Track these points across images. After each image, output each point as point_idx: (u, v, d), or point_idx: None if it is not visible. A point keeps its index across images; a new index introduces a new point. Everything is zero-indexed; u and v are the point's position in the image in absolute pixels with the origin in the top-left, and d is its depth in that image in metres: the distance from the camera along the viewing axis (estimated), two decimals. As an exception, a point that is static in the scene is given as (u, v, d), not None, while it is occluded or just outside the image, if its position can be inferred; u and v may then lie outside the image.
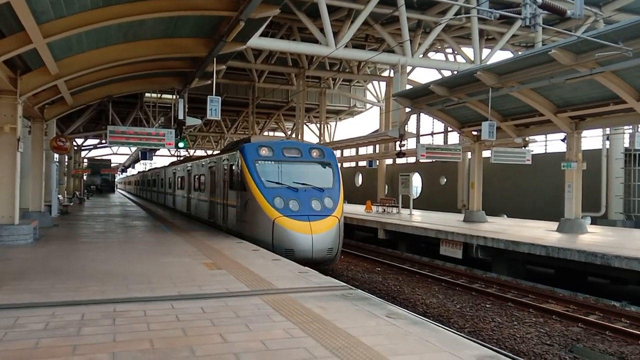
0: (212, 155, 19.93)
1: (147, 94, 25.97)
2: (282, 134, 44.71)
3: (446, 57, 27.97)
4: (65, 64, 11.13)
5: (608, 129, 21.27)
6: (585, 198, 16.91)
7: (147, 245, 11.34)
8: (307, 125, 41.39)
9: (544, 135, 23.65)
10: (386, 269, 15.58)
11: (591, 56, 12.10)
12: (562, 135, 17.13)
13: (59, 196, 22.28)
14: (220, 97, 12.88)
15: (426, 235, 17.06)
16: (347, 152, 38.81)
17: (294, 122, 38.97)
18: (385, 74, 32.78)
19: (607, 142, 22.33)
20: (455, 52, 26.55)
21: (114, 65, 12.11)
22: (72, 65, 11.25)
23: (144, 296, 6.31)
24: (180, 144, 18.25)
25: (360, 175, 41.74)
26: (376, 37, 26.19)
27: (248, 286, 6.99)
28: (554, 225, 17.44)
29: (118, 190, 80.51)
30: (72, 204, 26.69)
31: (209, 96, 12.59)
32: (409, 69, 25.94)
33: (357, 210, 26.87)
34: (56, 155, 21.61)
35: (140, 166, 59.38)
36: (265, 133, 43.13)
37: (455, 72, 19.94)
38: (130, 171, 73.51)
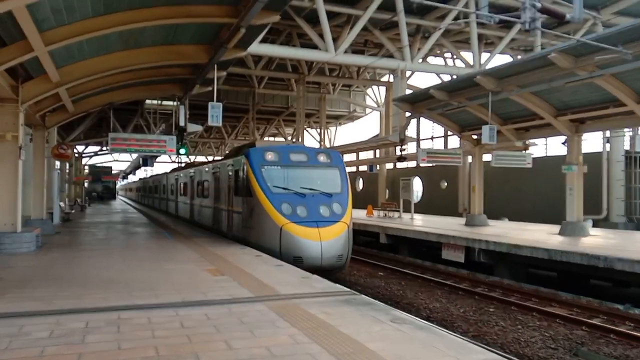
0: (215, 160, 19.69)
1: (147, 101, 26.05)
2: (282, 140, 44.73)
3: (445, 61, 28.03)
4: (67, 71, 11.17)
5: (608, 132, 21.29)
6: (586, 201, 16.91)
7: (150, 252, 11.34)
8: (307, 131, 41.42)
9: (544, 139, 23.70)
10: (388, 273, 15.56)
11: (591, 59, 12.12)
12: (562, 138, 17.16)
13: (61, 203, 22.29)
14: (221, 104, 12.88)
15: (428, 239, 17.04)
16: (348, 157, 38.77)
17: (294, 127, 39.04)
18: (385, 78, 32.85)
19: (608, 145, 22.34)
20: (455, 57, 26.60)
21: (115, 73, 12.15)
22: (73, 73, 11.29)
23: (147, 303, 6.30)
24: (182, 151, 18.28)
25: (360, 180, 41.74)
26: (375, 42, 26.24)
27: (252, 292, 6.99)
28: (556, 228, 17.42)
29: (119, 197, 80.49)
30: (73, 211, 26.68)
31: (210, 103, 12.60)
32: (408, 73, 25.98)
33: (359, 215, 26.86)
34: (57, 163, 21.62)
35: (142, 173, 59.39)
36: (266, 138, 43.18)
37: (455, 77, 20.00)
38: (132, 178, 73.53)
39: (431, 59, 29.32)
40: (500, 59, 28.79)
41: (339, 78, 31.47)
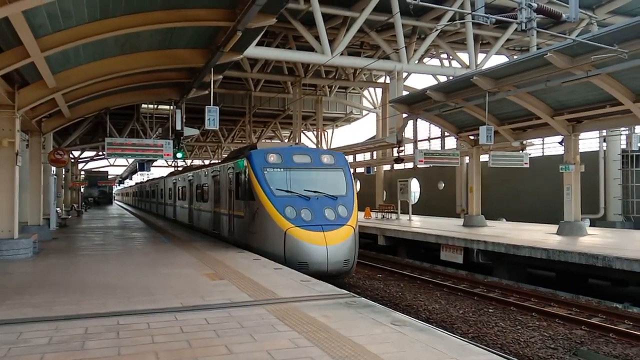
0: (215, 163, 19.24)
1: (143, 105, 25.99)
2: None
3: (441, 62, 28.08)
4: (63, 77, 11.15)
5: (605, 131, 21.34)
6: (583, 200, 16.95)
7: (147, 257, 11.30)
8: (304, 133, 41.42)
9: (541, 139, 23.76)
10: (387, 275, 15.54)
11: (587, 59, 12.15)
12: (559, 138, 17.19)
13: (57, 209, 22.21)
14: (218, 107, 12.84)
15: (426, 240, 17.04)
16: (345, 159, 38.79)
17: (291, 130, 39.01)
18: (381, 80, 32.88)
19: (604, 144, 22.40)
20: (451, 58, 26.66)
21: (111, 78, 12.13)
22: (69, 78, 11.26)
23: (146, 308, 6.27)
24: (178, 155, 18.27)
25: (358, 182, 41.75)
26: (371, 44, 26.29)
27: (251, 296, 6.97)
28: (553, 228, 17.45)
29: (116, 202, 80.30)
30: (70, 216, 26.61)
31: (207, 106, 12.54)
32: (404, 75, 26.03)
33: (356, 217, 26.81)
34: (53, 168, 21.57)
35: (138, 177, 59.28)
36: (263, 140, 43.14)
37: (451, 77, 20.04)
38: (128, 182, 73.43)
39: (427, 60, 29.37)
40: (497, 60, 28.92)
41: (336, 80, 31.49)
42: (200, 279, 8.32)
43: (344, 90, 36.83)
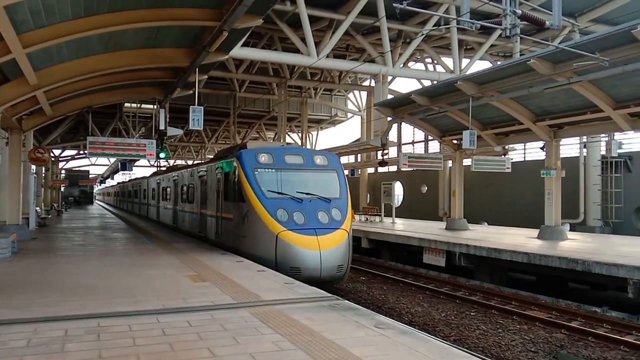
0: (202, 162, 18.53)
1: (126, 104, 25.70)
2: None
3: (426, 66, 28.24)
4: (45, 74, 10.96)
5: (585, 137, 21.67)
6: (564, 205, 17.18)
7: (129, 258, 11.17)
8: (289, 135, 41.37)
9: (523, 144, 24.05)
10: (370, 278, 15.58)
11: (569, 66, 12.34)
12: (540, 143, 17.42)
13: (37, 208, 21.85)
14: (202, 107, 12.74)
15: (409, 243, 17.13)
16: (329, 161, 38.79)
17: (276, 131, 38.94)
18: (366, 83, 32.97)
19: (585, 150, 22.75)
20: (435, 62, 26.82)
21: (95, 76, 11.97)
22: (51, 76, 11.08)
23: (128, 310, 6.20)
24: (162, 155, 18.09)
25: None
26: (357, 47, 26.35)
27: (234, 298, 6.92)
28: (534, 232, 17.66)
29: (97, 201, 79.30)
30: (50, 216, 26.21)
31: (191, 106, 12.44)
32: (389, 78, 26.13)
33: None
34: (33, 167, 21.21)
35: (120, 177, 58.63)
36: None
37: (436, 82, 20.15)
38: (110, 182, 72.56)
39: (412, 64, 29.54)
40: (480, 65, 29.22)
41: (321, 82, 31.50)
42: (182, 281, 8.24)
43: (329, 93, 36.86)
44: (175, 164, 49.51)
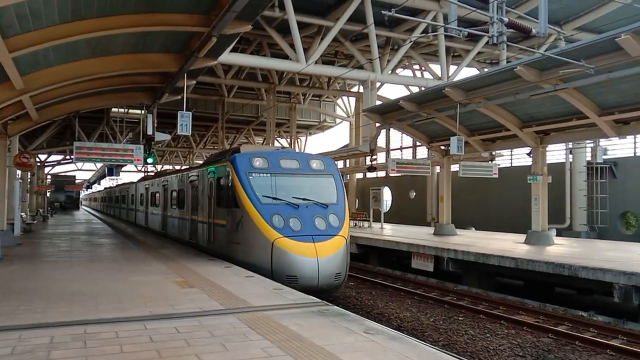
0: (193, 167, 18.08)
1: (113, 109, 25.54)
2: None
3: (414, 73, 28.46)
4: (31, 79, 10.84)
5: (571, 143, 21.94)
6: (550, 210, 17.35)
7: (116, 264, 11.06)
8: (277, 140, 41.36)
9: (510, 150, 24.27)
10: (359, 283, 15.58)
11: (555, 73, 12.49)
12: (527, 149, 17.58)
13: (22, 214, 21.59)
14: (190, 113, 12.70)
15: (398, 249, 17.17)
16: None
17: (264, 137, 38.90)
18: (355, 89, 33.12)
19: (570, 156, 23.01)
20: (423, 69, 27.04)
21: (82, 81, 11.88)
22: (38, 81, 10.97)
23: (115, 317, 6.14)
24: (149, 160, 17.99)
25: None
26: (346, 53, 26.48)
27: (222, 304, 6.89)
28: (521, 237, 17.80)
29: (83, 207, 78.56)
30: (35, 222, 25.90)
31: (179, 112, 12.42)
32: (378, 84, 26.28)
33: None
34: (19, 172, 20.97)
35: (108, 182, 58.17)
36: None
37: (424, 88, 20.31)
38: (96, 187, 71.96)
39: (400, 71, 29.73)
40: (468, 72, 29.46)
41: (310, 88, 31.57)
42: (170, 287, 8.18)
43: (317, 99, 36.97)
44: (163, 169, 49.24)
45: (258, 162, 11.42)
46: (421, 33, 20.83)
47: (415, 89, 24.37)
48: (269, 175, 11.31)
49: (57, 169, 50.77)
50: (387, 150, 22.51)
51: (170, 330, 5.56)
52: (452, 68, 24.12)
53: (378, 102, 23.39)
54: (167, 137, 18.50)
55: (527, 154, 17.69)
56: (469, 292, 13.55)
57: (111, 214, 42.68)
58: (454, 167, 21.08)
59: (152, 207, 22.23)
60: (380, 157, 26.83)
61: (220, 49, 10.79)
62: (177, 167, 45.81)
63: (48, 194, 45.00)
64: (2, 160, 14.59)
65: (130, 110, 26.73)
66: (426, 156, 28.09)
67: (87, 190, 78.28)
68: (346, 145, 35.44)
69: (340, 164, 36.14)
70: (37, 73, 10.89)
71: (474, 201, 27.20)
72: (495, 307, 11.88)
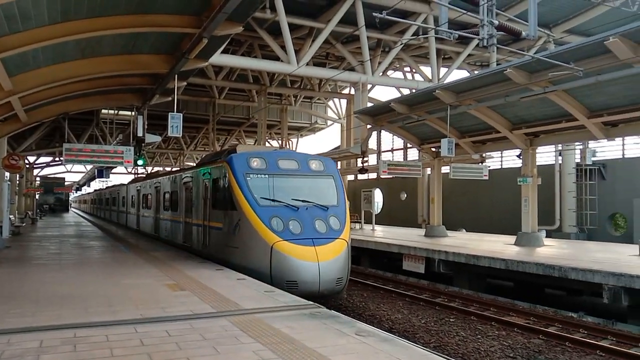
0: (187, 168, 17.62)
1: (103, 110, 25.38)
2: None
3: (405, 75, 28.57)
4: (20, 80, 10.77)
5: (560, 145, 22.10)
6: (540, 212, 17.46)
7: (106, 267, 10.98)
8: (268, 142, 41.32)
9: (500, 152, 24.40)
10: (351, 285, 15.51)
11: (544, 75, 12.60)
12: (517, 151, 17.70)
13: (11, 216, 21.37)
14: (181, 114, 12.62)
15: (389, 250, 17.20)
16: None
17: (256, 138, 38.84)
18: (346, 91, 33.17)
19: (560, 158, 23.18)
20: (414, 71, 27.16)
21: (71, 82, 11.82)
22: (27, 82, 10.90)
23: (105, 320, 6.08)
24: (140, 162, 17.86)
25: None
26: (337, 55, 26.51)
27: (214, 307, 6.85)
28: (511, 238, 17.90)
29: (72, 209, 77.93)
30: (24, 224, 25.65)
31: (170, 113, 12.33)
32: (369, 86, 26.34)
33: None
34: (7, 174, 20.77)
35: (98, 184, 57.78)
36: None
37: (414, 90, 20.38)
38: (86, 189, 71.47)
39: (391, 73, 29.82)
40: (458, 74, 29.63)
41: (301, 90, 31.59)
42: (161, 290, 8.13)
43: (309, 100, 36.98)
44: (154, 171, 48.98)
45: (256, 163, 11.05)
46: (412, 35, 20.89)
47: (406, 91, 24.48)
48: (267, 176, 10.92)
49: (47, 171, 50.42)
50: (378, 152, 22.53)
51: (161, 334, 5.52)
52: (443, 70, 24.24)
53: (369, 104, 23.46)
54: (157, 138, 18.40)
55: (517, 156, 17.81)
56: (460, 293, 13.59)
57: (101, 217, 42.34)
58: (445, 169, 21.17)
59: (144, 210, 21.80)
60: (372, 159, 26.90)
61: (211, 50, 10.78)
62: (168, 169, 45.59)
63: (37, 196, 44.63)
64: (-10, 162, 14.44)
65: (120, 112, 26.59)
66: (417, 158, 28.20)
67: (76, 192, 77.66)
68: (337, 147, 35.48)
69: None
70: (26, 74, 10.81)
71: (464, 203, 27.32)
72: (486, 308, 11.93)
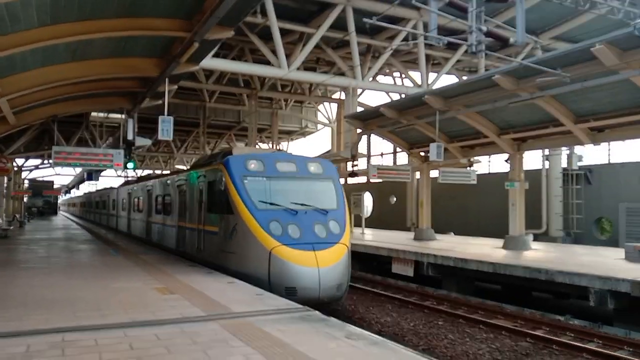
0: (181, 171, 17.27)
1: (93, 113, 25.29)
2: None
3: (394, 80, 28.70)
4: (8, 82, 10.71)
5: (547, 150, 22.35)
6: (527, 216, 17.63)
7: (95, 270, 10.93)
8: (259, 146, 41.30)
9: (488, 156, 24.61)
10: (340, 289, 15.59)
11: (532, 81, 12.75)
12: (505, 156, 17.87)
13: (-3, 220, 21.18)
14: (172, 118, 12.59)
15: (378, 253, 17.27)
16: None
17: (246, 142, 38.81)
18: (336, 96, 33.28)
19: (547, 163, 23.41)
20: (403, 76, 27.29)
21: (61, 85, 11.77)
22: (15, 84, 10.84)
23: (94, 324, 6.07)
24: (129, 165, 17.82)
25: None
26: (327, 60, 26.59)
27: (204, 311, 6.86)
28: (499, 242, 18.05)
29: (61, 212, 77.24)
30: (11, 227, 25.41)
31: (160, 116, 12.29)
32: (359, 91, 26.46)
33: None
34: (-5, 177, 20.60)
35: (87, 187, 57.34)
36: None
37: (404, 95, 20.52)
38: (75, 192, 70.85)
39: (381, 78, 29.96)
40: (447, 79, 29.84)
41: (291, 94, 31.62)
42: (150, 293, 8.12)
43: (299, 104, 37.04)
44: (143, 174, 48.69)
45: (253, 165, 10.75)
46: (402, 41, 21.03)
47: (395, 96, 24.64)
48: (265, 179, 10.62)
49: (35, 174, 49.94)
50: (368, 156, 22.65)
51: (150, 337, 5.53)
52: (432, 76, 24.40)
53: (359, 109, 23.56)
54: (147, 142, 18.34)
55: (505, 161, 17.98)
56: (449, 296, 13.68)
57: (91, 220, 42.00)
58: (434, 173, 21.30)
59: (135, 213, 21.40)
60: (362, 163, 26.99)
61: (202, 54, 10.79)
62: (158, 172, 45.36)
63: (25, 199, 44.21)
64: (-22, 165, 14.33)
65: (110, 115, 26.50)
66: (406, 162, 28.35)
67: (65, 195, 77.00)
68: (328, 151, 35.53)
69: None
70: (15, 76, 10.76)
71: (453, 207, 27.48)
72: (474, 311, 12.02)
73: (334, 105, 34.49)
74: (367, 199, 27.73)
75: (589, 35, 14.21)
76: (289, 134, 42.23)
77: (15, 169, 33.96)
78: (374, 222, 32.14)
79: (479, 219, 25.93)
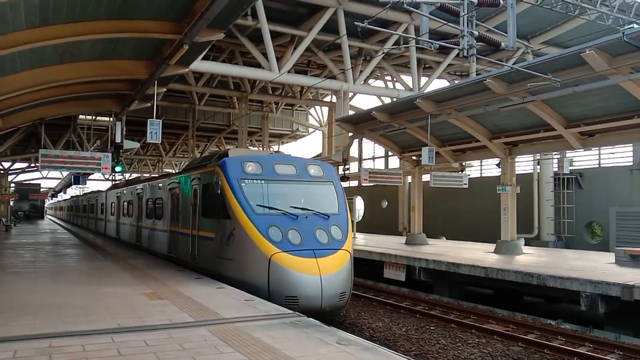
0: (174, 173, 16.76)
1: (81, 116, 25.02)
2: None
3: (386, 84, 28.76)
4: (-5, 84, 10.56)
5: (538, 154, 22.46)
6: (519, 220, 17.68)
7: (82, 275, 10.77)
8: (249, 149, 41.20)
9: (479, 160, 24.70)
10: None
11: (523, 86, 12.78)
12: (496, 160, 17.93)
13: (-17, 223, 20.89)
14: (160, 120, 12.49)
15: (370, 258, 17.21)
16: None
17: (236, 145, 38.67)
18: (327, 99, 33.26)
19: (538, 167, 23.54)
20: (395, 80, 27.36)
21: (49, 87, 11.63)
22: (3, 86, 10.68)
23: (81, 330, 5.95)
24: (117, 168, 17.62)
25: (302, 199, 41.70)
26: (318, 63, 26.60)
27: (192, 316, 6.76)
28: (491, 246, 18.06)
29: (48, 216, 76.46)
30: (-3, 231, 25.07)
31: (149, 119, 12.20)
32: (350, 94, 26.43)
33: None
34: (-19, 180, 20.31)
35: (74, 190, 56.84)
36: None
37: (395, 99, 20.54)
38: (62, 196, 70.27)
39: (372, 81, 30.01)
40: (438, 83, 29.94)
41: (282, 97, 31.58)
42: (138, 299, 7.99)
43: (290, 108, 37.00)
44: (131, 177, 48.33)
45: (251, 167, 10.25)
46: (393, 45, 21.08)
47: (387, 100, 24.65)
48: (263, 182, 10.16)
49: (22, 177, 49.43)
50: (360, 160, 22.64)
51: (139, 343, 5.42)
52: (424, 79, 24.47)
53: (351, 112, 23.52)
54: (136, 145, 18.20)
55: (497, 165, 18.04)
56: (441, 301, 13.65)
57: (78, 224, 41.55)
58: (425, 177, 21.31)
59: (125, 217, 20.86)
60: (353, 167, 26.98)
61: (191, 56, 10.71)
62: (146, 175, 45.06)
63: (11, 203, 43.69)
64: (-37, 168, 14.11)
65: (98, 118, 26.24)
66: (398, 166, 28.38)
67: (52, 198, 76.31)
68: (319, 155, 35.49)
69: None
70: (2, 79, 10.60)
71: (445, 211, 27.54)
72: (466, 316, 11.99)
73: (325, 109, 34.46)
74: (359, 203, 27.76)
75: (579, 40, 14.30)
76: (280, 137, 42.15)
77: (1, 172, 33.60)
78: (366, 226, 32.15)
79: (470, 224, 26.01)
